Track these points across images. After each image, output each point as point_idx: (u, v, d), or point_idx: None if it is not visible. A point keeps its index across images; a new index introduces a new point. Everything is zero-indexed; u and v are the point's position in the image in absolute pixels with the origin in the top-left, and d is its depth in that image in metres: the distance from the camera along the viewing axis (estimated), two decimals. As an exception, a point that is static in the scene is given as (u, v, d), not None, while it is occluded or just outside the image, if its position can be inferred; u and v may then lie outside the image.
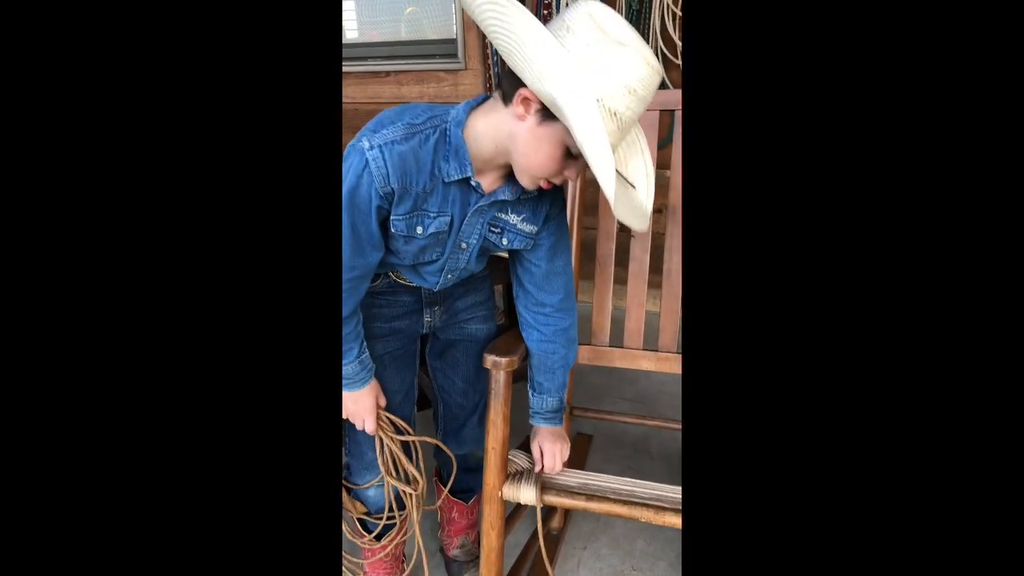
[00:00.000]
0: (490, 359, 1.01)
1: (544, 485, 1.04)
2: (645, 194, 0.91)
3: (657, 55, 2.11)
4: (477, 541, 1.30)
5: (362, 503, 1.12)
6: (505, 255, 1.03)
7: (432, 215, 0.87)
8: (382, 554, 1.13)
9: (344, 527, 1.11)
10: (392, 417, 1.04)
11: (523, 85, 0.76)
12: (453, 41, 2.44)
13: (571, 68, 0.71)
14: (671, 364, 1.21)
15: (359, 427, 1.01)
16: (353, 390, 0.96)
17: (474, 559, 1.30)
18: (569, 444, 1.10)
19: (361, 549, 1.15)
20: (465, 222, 0.90)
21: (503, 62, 0.78)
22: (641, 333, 1.23)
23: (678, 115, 1.15)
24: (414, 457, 1.07)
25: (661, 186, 1.01)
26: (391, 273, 1.01)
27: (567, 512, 1.43)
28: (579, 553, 1.37)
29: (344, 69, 2.59)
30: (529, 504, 1.04)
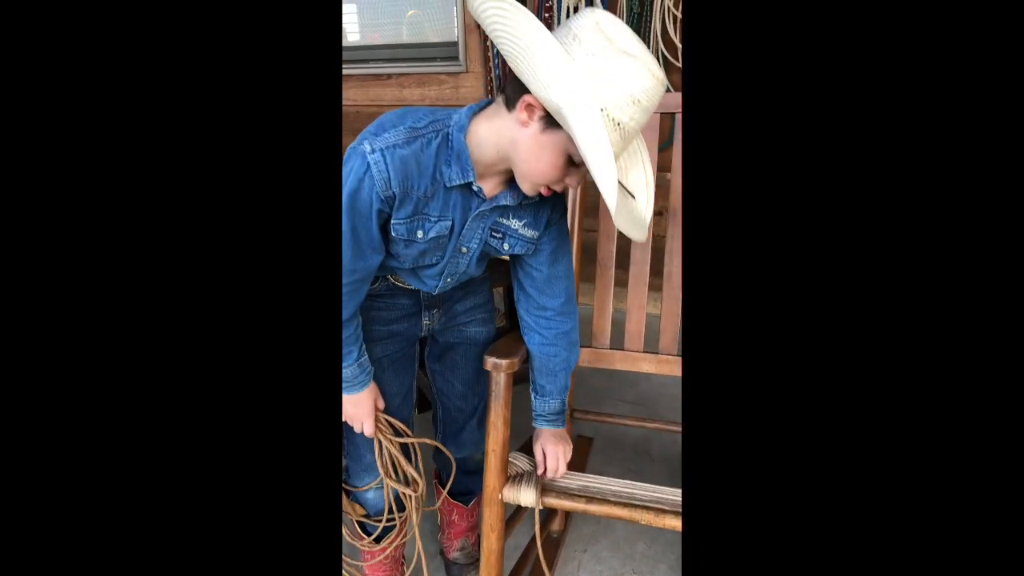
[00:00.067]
0: (490, 361, 1.01)
1: (544, 487, 1.04)
2: (644, 204, 0.90)
3: (658, 58, 2.12)
4: (477, 543, 1.30)
5: (361, 505, 1.12)
6: (506, 258, 1.03)
7: (433, 219, 0.87)
8: (381, 556, 1.13)
9: (343, 530, 1.11)
10: (391, 419, 1.04)
11: (527, 91, 0.76)
12: (454, 44, 2.45)
13: (577, 77, 0.71)
14: (671, 366, 1.21)
15: (357, 430, 1.00)
16: (352, 393, 0.96)
17: (474, 562, 1.29)
18: (571, 446, 1.10)
19: (360, 552, 1.15)
20: (466, 227, 0.90)
21: (507, 67, 0.78)
22: (642, 335, 1.23)
23: (678, 118, 1.15)
24: (413, 459, 1.07)
25: (662, 188, 1.01)
26: (390, 276, 1.01)
27: (567, 515, 1.43)
28: (579, 556, 1.37)
29: (345, 71, 2.59)
30: (529, 506, 1.04)
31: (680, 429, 1.27)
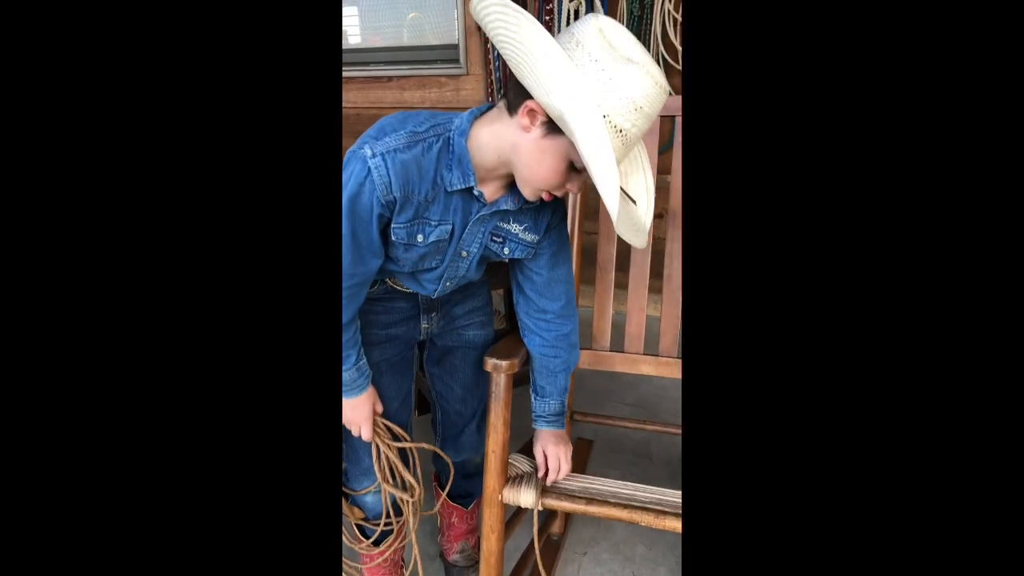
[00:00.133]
0: (491, 362, 1.01)
1: (544, 489, 1.04)
2: (644, 210, 0.91)
3: (658, 61, 2.12)
4: (477, 546, 1.30)
5: (360, 509, 1.12)
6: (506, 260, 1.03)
7: (433, 223, 0.87)
8: (380, 559, 1.13)
9: (342, 532, 1.11)
10: (389, 424, 1.03)
11: (529, 97, 0.76)
12: (455, 47, 2.45)
13: (580, 83, 0.71)
14: (671, 369, 1.21)
15: (355, 434, 1.00)
16: (350, 397, 0.96)
17: (474, 564, 1.29)
18: (571, 447, 1.10)
19: (359, 555, 1.15)
20: (466, 231, 0.90)
21: (507, 69, 0.78)
22: (642, 338, 1.23)
23: (678, 121, 1.16)
24: (411, 464, 1.07)
25: (662, 191, 1.01)
26: (388, 280, 1.01)
27: (567, 517, 1.43)
28: (579, 558, 1.37)
29: (346, 74, 2.60)
30: (529, 507, 1.04)
31: (680, 431, 1.27)
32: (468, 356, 1.13)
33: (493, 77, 2.37)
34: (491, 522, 1.06)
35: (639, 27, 2.13)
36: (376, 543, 1.12)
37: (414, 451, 1.07)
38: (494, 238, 0.93)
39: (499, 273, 1.18)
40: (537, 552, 1.08)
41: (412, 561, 1.12)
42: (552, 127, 0.77)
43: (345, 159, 0.82)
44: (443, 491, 1.22)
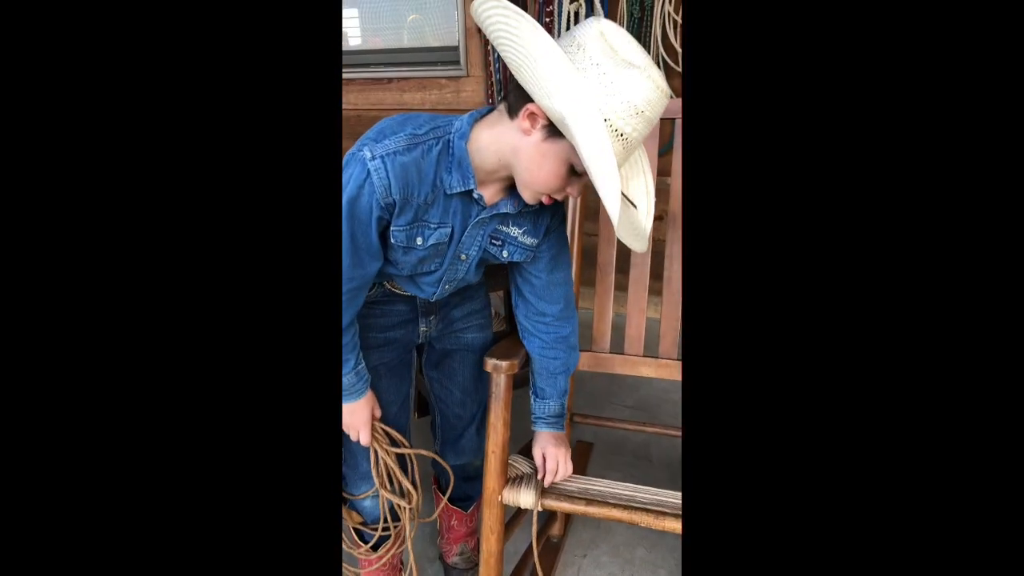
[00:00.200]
0: (491, 362, 1.01)
1: (543, 490, 1.04)
2: (645, 214, 0.90)
3: (658, 63, 2.12)
4: (476, 548, 1.29)
5: (358, 513, 1.12)
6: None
7: (433, 226, 0.87)
8: (378, 564, 1.12)
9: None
10: (387, 429, 1.03)
11: (530, 100, 0.76)
12: (455, 48, 2.45)
13: (581, 87, 0.71)
14: (671, 371, 1.21)
15: (354, 439, 1.00)
16: (349, 401, 0.96)
17: (473, 566, 1.29)
18: (570, 450, 1.10)
19: (357, 559, 1.14)
20: (466, 234, 0.89)
21: (508, 71, 0.78)
22: (641, 340, 1.23)
23: (678, 123, 1.16)
24: (409, 469, 1.06)
25: (661, 193, 1.02)
26: (386, 283, 1.00)
27: (567, 520, 1.42)
28: (579, 561, 1.36)
29: (346, 76, 2.60)
30: (528, 508, 1.04)
31: (680, 434, 1.27)
32: (467, 359, 1.13)
33: (493, 79, 2.37)
34: (491, 523, 1.06)
35: (639, 29, 2.13)
36: (374, 547, 1.12)
37: (412, 456, 1.07)
38: (493, 241, 0.93)
39: (498, 275, 1.19)
40: (536, 554, 1.07)
41: (408, 568, 1.11)
42: (553, 130, 0.77)
43: (344, 161, 0.82)
44: (443, 495, 1.22)
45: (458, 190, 0.85)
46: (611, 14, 2.13)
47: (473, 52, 2.41)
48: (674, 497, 1.01)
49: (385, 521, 1.08)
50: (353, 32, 2.67)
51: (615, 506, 0.99)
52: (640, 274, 1.22)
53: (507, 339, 1.11)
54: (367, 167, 0.79)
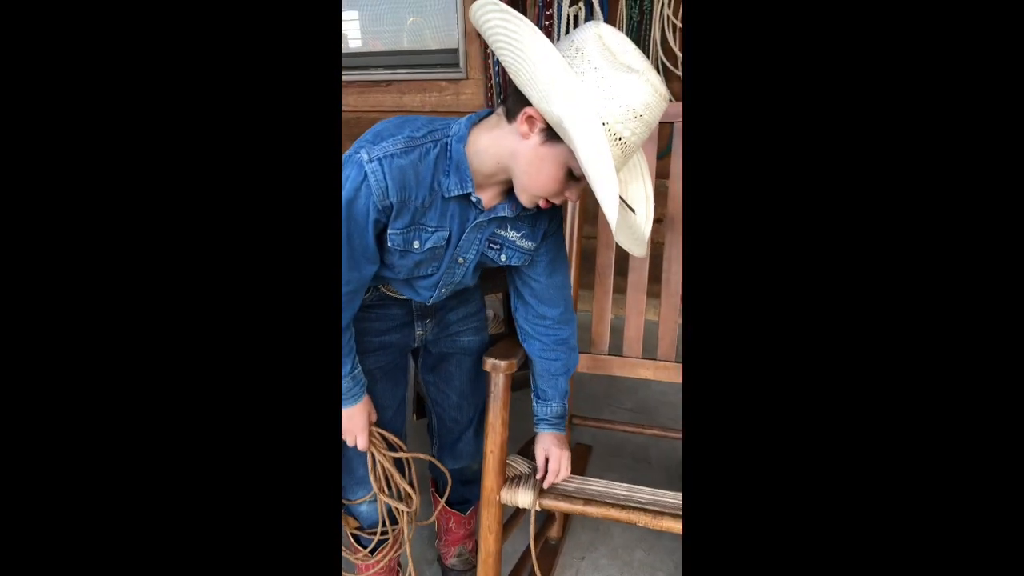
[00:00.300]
0: (489, 362, 1.02)
1: (542, 490, 1.04)
2: (644, 218, 0.90)
3: (657, 67, 2.13)
4: (474, 550, 1.29)
5: (355, 518, 1.12)
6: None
7: (430, 230, 0.86)
8: (376, 568, 1.12)
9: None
10: (384, 433, 1.03)
11: (528, 103, 0.76)
12: (455, 51, 2.46)
13: (579, 90, 0.71)
14: (670, 373, 1.21)
15: (351, 444, 0.99)
16: (346, 406, 0.95)
17: (471, 568, 1.29)
18: (570, 452, 1.10)
19: (354, 564, 1.14)
20: (463, 237, 0.89)
21: (507, 75, 0.78)
22: (640, 342, 1.24)
23: (677, 126, 1.16)
24: (407, 472, 1.06)
25: (660, 196, 1.02)
26: (382, 286, 1.00)
27: (565, 522, 1.42)
28: (577, 563, 1.36)
29: (346, 78, 2.60)
30: (527, 508, 1.04)
31: (679, 436, 1.27)
32: (463, 362, 1.13)
33: (493, 82, 2.37)
34: (489, 523, 1.06)
35: (638, 33, 2.14)
36: (372, 552, 1.11)
37: (410, 459, 1.07)
38: (491, 245, 0.93)
39: (496, 278, 1.19)
40: (534, 556, 1.07)
41: (408, 565, 1.11)
42: (551, 134, 0.77)
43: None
44: (440, 498, 1.22)
45: (456, 193, 0.84)
46: (610, 18, 2.14)
47: (473, 55, 2.42)
48: (672, 497, 1.01)
49: (383, 525, 1.07)
50: (353, 34, 2.68)
51: (613, 506, 0.99)
52: (639, 277, 1.22)
53: (505, 339, 1.11)
54: (364, 169, 0.79)
